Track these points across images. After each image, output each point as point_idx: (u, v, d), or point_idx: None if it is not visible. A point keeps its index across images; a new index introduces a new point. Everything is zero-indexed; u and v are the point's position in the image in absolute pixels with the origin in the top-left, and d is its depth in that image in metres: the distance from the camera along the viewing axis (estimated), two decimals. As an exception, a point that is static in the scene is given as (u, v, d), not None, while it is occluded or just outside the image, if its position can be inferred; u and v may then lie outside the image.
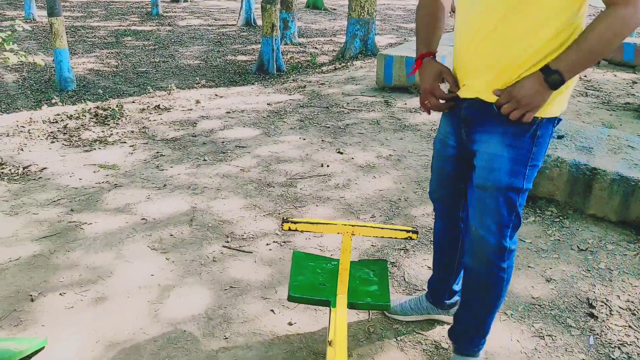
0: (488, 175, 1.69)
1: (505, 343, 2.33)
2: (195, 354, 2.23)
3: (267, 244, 3.05)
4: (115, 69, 10.44)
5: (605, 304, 2.57)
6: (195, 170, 4.09)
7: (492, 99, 1.60)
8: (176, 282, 2.71)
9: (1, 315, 2.46)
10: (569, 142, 3.42)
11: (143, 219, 3.33)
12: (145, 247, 3.02)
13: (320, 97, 6.32)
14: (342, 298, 1.34)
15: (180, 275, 2.76)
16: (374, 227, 1.52)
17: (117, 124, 5.28)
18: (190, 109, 5.86)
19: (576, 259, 2.92)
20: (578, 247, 3.02)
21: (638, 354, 2.27)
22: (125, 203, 3.54)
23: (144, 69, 10.33)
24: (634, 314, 2.51)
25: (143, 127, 5.18)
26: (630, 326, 2.43)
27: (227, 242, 3.06)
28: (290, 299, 1.91)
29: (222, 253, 2.95)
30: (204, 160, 4.30)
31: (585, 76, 6.94)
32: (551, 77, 1.48)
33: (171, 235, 3.14)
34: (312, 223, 1.66)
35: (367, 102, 5.98)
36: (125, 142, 4.73)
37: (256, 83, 8.55)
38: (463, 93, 1.73)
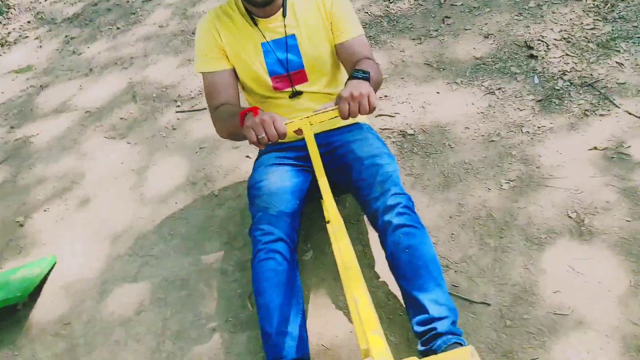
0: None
1: (462, 110, 2.50)
2: (194, 218, 2.38)
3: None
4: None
5: (542, 40, 2.71)
6: (113, 42, 3.88)
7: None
8: (147, 162, 2.76)
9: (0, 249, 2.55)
10: None
11: (86, 111, 3.26)
12: (102, 138, 3.01)
13: None
14: (323, 181, 1.44)
15: (149, 154, 2.80)
16: (325, 112, 1.57)
17: (8, 18, 4.82)
18: (77, -25, 5.31)
19: (507, 5, 2.99)
20: (507, -7, 3.07)
21: (578, 77, 2.47)
22: (60, 102, 3.42)
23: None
24: (569, 41, 2.66)
25: (38, 13, 4.74)
26: (567, 54, 2.60)
27: (178, 106, 3.05)
28: None
29: (178, 119, 2.96)
30: (117, 28, 4.05)
31: None
32: (359, 74, 1.60)
33: (121, 118, 3.11)
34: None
35: None
36: (27, 37, 4.37)
37: None
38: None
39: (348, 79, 1.62)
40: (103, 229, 2.46)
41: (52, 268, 2.36)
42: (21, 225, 2.62)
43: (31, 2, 5.01)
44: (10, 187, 2.87)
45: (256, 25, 1.78)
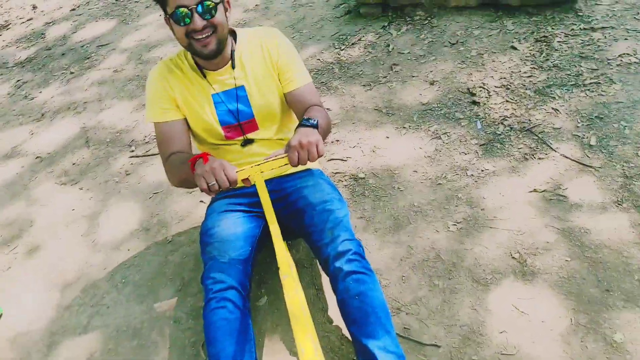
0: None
1: (411, 154, 2.60)
2: (147, 265, 2.36)
3: (171, 139, 3.07)
4: None
5: (483, 87, 2.86)
6: (66, 87, 3.86)
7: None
8: (99, 208, 2.73)
9: (-57, 301, 2.45)
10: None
11: (37, 157, 3.21)
12: (53, 184, 2.97)
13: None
14: (274, 228, 1.49)
15: (101, 200, 2.78)
16: (275, 159, 1.61)
17: (-43, 62, 4.74)
18: (31, 19, 5.29)
19: (450, 54, 3.15)
20: (450, 43, 3.24)
21: (518, 123, 2.61)
22: (10, 147, 3.37)
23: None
24: (508, 88, 2.82)
25: (-12, 57, 4.69)
26: (507, 100, 2.75)
27: (132, 151, 3.05)
28: None
29: (131, 164, 2.96)
30: (71, 73, 4.04)
31: None
32: (308, 122, 1.64)
33: (73, 164, 3.08)
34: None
35: None
36: (-23, 81, 4.31)
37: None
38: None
39: (297, 127, 1.67)
40: (53, 278, 2.41)
41: (-2, 320, 2.29)
42: (-34, 276, 2.54)
43: (-19, 45, 4.95)
44: (-46, 236, 2.79)
45: (205, 77, 1.83)
